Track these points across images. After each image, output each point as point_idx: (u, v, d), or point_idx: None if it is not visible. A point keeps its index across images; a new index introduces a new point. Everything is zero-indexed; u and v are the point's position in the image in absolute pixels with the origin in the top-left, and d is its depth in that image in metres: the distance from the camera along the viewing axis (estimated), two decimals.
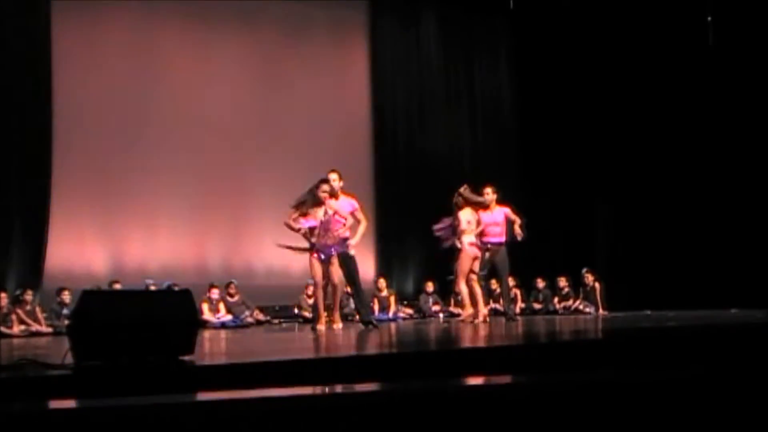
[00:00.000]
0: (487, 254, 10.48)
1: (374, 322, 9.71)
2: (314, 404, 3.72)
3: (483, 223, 10.30)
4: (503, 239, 10.53)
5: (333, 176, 9.36)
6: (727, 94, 13.79)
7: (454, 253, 10.27)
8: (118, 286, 11.82)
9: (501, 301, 14.15)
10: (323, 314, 9.38)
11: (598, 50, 14.93)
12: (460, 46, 16.22)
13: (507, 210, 10.61)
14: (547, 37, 15.60)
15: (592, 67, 15.02)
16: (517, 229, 10.46)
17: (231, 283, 12.97)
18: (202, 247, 13.57)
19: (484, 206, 10.37)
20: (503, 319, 10.99)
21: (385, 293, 14.00)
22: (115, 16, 13.22)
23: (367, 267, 14.96)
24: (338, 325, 9.47)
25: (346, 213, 9.25)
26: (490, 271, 10.77)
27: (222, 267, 13.61)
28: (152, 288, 11.41)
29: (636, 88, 14.50)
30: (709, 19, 14.40)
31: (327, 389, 4.19)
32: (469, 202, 10.25)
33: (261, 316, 12.99)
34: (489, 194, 10.53)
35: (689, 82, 14.12)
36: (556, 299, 14.42)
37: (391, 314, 13.62)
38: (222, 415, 3.49)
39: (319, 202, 9.04)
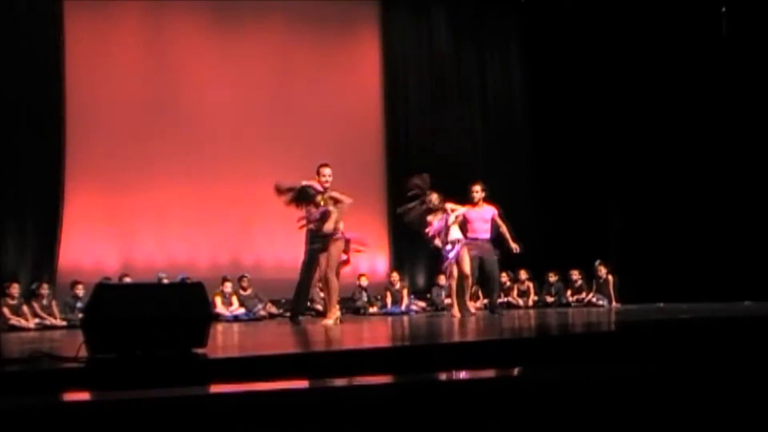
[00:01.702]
0: (474, 251, 10.68)
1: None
2: (326, 397, 3.73)
3: (471, 219, 10.67)
4: (489, 236, 10.83)
5: (328, 171, 9.44)
6: (741, 85, 13.70)
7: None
8: (128, 280, 11.86)
9: (512, 294, 14.23)
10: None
11: (610, 44, 14.84)
12: (471, 41, 16.16)
13: (494, 211, 10.89)
14: (559, 31, 15.53)
15: (604, 61, 14.94)
16: (512, 244, 10.84)
17: (244, 276, 13.00)
18: (214, 241, 13.59)
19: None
20: (518, 312, 11.03)
21: (398, 286, 14.01)
22: (126, 12, 13.24)
23: (380, 260, 15.00)
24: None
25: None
26: (479, 268, 10.90)
27: (233, 261, 13.63)
28: (165, 281, 11.45)
29: (648, 81, 14.41)
30: (723, 9, 14.30)
31: (339, 382, 4.20)
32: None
33: (274, 310, 13.01)
34: (478, 192, 10.83)
35: (703, 74, 14.02)
36: (568, 292, 14.38)
37: (403, 307, 13.63)
38: (234, 408, 3.51)
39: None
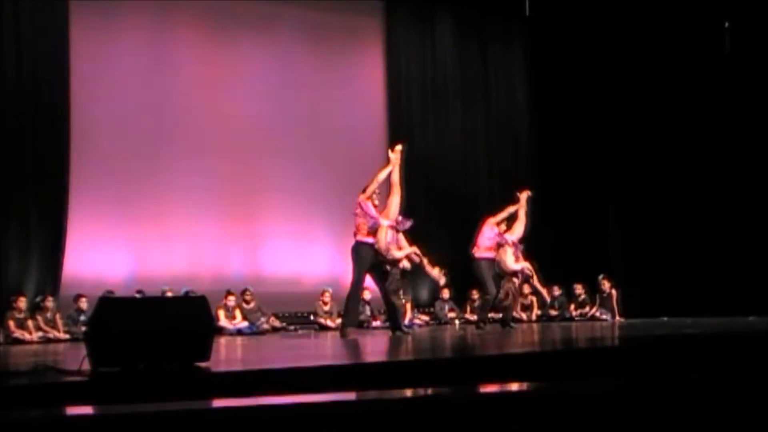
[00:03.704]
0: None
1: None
2: (329, 411, 3.72)
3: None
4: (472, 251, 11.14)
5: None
6: (743, 100, 13.71)
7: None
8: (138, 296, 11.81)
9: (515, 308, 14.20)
10: None
11: (614, 56, 14.87)
12: (475, 51, 16.19)
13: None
14: (563, 40, 15.56)
15: (608, 72, 14.96)
16: None
17: (247, 290, 12.96)
18: (219, 254, 13.57)
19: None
20: (521, 326, 11.07)
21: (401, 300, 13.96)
22: (132, 23, 13.27)
23: None
24: None
25: None
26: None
27: (238, 274, 13.60)
28: (169, 295, 11.44)
29: (652, 94, 14.43)
30: (726, 24, 14.33)
31: (341, 396, 4.20)
32: None
33: (277, 323, 12.99)
34: None
35: (706, 88, 14.04)
36: (572, 306, 14.35)
37: (407, 321, 13.58)
38: (237, 422, 3.50)
39: None
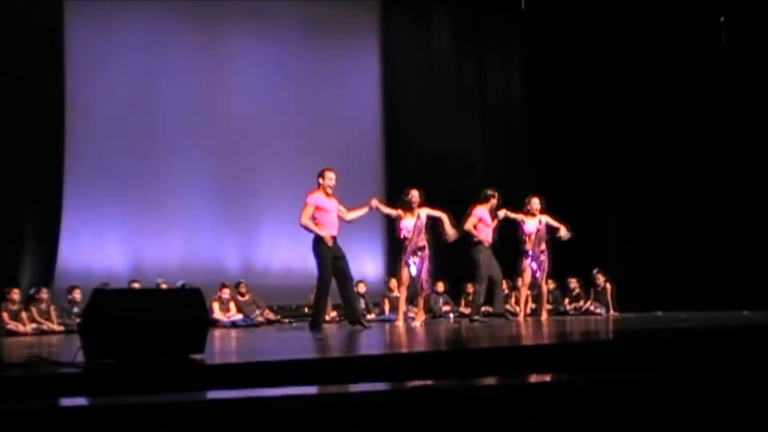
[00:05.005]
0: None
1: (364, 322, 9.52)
2: (322, 403, 3.73)
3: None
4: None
5: (332, 174, 9.27)
6: (740, 95, 13.72)
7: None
8: (136, 286, 11.80)
9: (510, 301, 14.20)
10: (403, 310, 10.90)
11: (611, 52, 14.85)
12: (471, 48, 16.18)
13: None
14: (559, 38, 15.54)
15: (605, 69, 14.95)
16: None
17: (241, 282, 12.98)
18: (214, 247, 13.58)
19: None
20: (514, 319, 11.07)
21: (395, 293, 13.96)
22: (128, 16, 13.25)
23: (377, 267, 14.98)
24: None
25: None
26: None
27: (234, 266, 13.62)
28: (164, 287, 11.43)
29: (648, 89, 14.42)
30: (722, 19, 14.32)
31: (335, 389, 4.21)
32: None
33: (271, 316, 12.99)
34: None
35: (702, 83, 14.04)
36: (566, 300, 14.35)
37: (401, 315, 13.56)
38: (231, 414, 3.51)
39: (410, 209, 10.17)
